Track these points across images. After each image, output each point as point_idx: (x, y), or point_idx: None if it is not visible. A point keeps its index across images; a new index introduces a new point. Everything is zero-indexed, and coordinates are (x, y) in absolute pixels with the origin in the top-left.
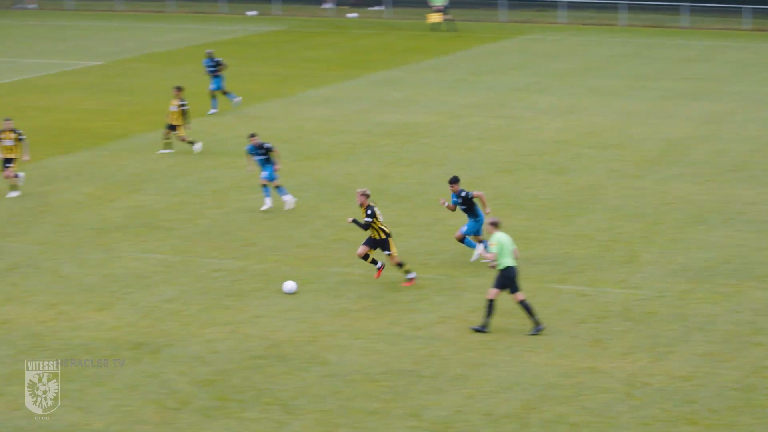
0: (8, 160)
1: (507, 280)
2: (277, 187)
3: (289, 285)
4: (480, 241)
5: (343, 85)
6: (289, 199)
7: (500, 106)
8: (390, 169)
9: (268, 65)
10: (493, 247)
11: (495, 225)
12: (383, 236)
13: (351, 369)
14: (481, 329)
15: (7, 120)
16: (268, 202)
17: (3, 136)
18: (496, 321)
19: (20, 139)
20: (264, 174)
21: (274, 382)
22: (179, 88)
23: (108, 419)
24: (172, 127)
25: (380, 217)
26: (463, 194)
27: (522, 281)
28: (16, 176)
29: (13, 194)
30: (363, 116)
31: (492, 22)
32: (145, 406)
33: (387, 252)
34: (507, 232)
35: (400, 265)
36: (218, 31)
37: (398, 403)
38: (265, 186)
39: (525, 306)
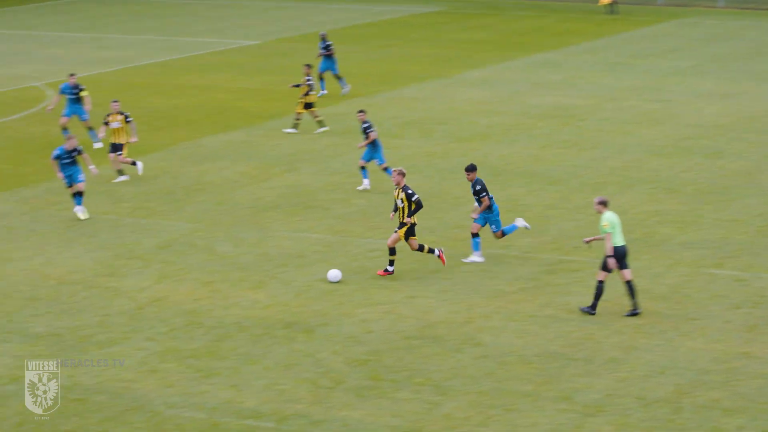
0: (116, 146)
1: (618, 258)
2: (385, 169)
3: (334, 273)
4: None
5: (499, 67)
6: (366, 184)
7: (657, 89)
8: (545, 151)
9: (425, 46)
10: (607, 227)
11: (604, 204)
12: (404, 220)
13: (504, 351)
14: (633, 313)
15: (114, 102)
16: (365, 184)
17: (110, 119)
18: (649, 305)
19: (128, 121)
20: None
21: (428, 362)
22: (309, 66)
23: (260, 397)
24: (309, 105)
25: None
26: (478, 188)
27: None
28: (134, 163)
29: (122, 179)
30: (519, 98)
31: (649, 6)
32: (299, 385)
33: (393, 233)
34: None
35: (391, 251)
36: (378, 11)
37: (550, 386)
38: (363, 168)
39: (620, 285)
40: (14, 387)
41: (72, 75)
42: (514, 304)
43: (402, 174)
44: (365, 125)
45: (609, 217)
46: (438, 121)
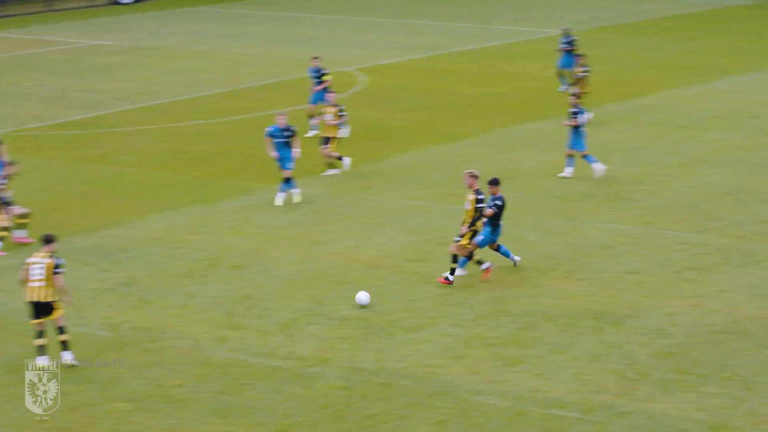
0: (326, 139)
1: None
2: (585, 156)
3: (362, 297)
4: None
5: None
6: (598, 167)
7: None
8: None
9: (739, 39)
10: None
11: None
12: (468, 224)
13: None
14: None
15: (329, 93)
16: (567, 172)
17: (324, 110)
18: None
19: (341, 115)
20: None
21: (735, 357)
22: (581, 55)
23: (566, 387)
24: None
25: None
26: (499, 202)
27: None
28: (340, 158)
29: (331, 172)
30: None
31: None
32: (605, 376)
33: (457, 239)
34: None
35: (468, 257)
36: (692, 3)
37: None
38: (569, 156)
39: None
40: (320, 369)
41: (315, 58)
42: None
43: (474, 177)
44: (575, 109)
45: None
46: (749, 114)
